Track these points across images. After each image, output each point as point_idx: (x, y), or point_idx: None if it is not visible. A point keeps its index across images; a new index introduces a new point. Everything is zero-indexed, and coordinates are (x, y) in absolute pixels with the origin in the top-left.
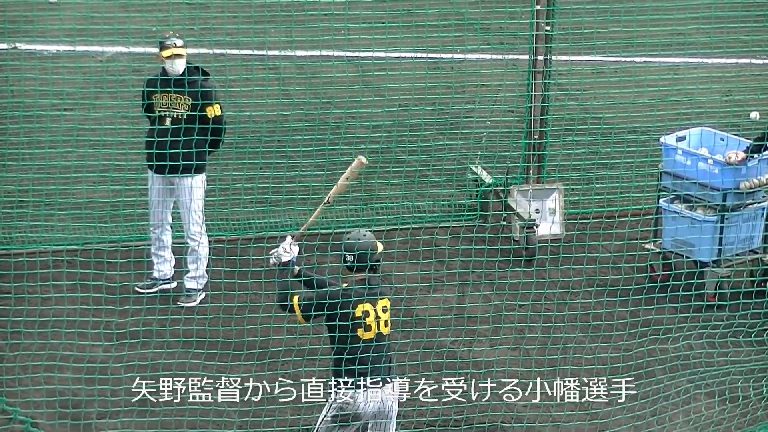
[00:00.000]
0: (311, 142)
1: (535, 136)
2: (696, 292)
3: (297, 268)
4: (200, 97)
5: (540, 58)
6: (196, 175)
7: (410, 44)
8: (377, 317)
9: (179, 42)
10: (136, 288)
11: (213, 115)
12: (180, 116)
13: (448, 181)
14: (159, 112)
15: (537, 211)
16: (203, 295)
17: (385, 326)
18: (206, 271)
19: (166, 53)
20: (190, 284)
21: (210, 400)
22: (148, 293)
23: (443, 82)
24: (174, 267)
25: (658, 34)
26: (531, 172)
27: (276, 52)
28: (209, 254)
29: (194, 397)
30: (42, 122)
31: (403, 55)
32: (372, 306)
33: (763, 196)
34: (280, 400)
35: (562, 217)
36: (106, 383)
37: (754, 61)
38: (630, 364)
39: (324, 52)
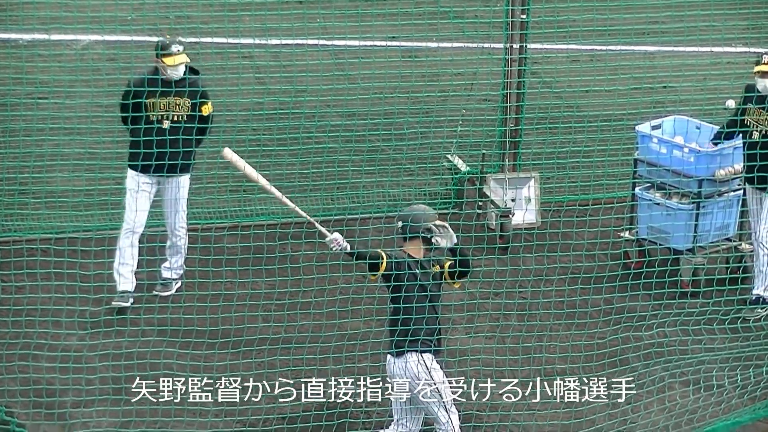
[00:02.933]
0: (286, 130)
1: (511, 125)
2: (671, 279)
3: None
4: (198, 97)
5: (515, 46)
6: (186, 174)
7: (385, 32)
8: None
9: (182, 47)
10: (113, 302)
11: (207, 113)
12: (179, 118)
13: (423, 169)
14: (156, 115)
15: (512, 199)
16: (179, 284)
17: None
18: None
19: (170, 61)
20: (166, 273)
21: (184, 389)
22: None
23: (418, 70)
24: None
25: (634, 22)
26: (506, 160)
27: (250, 40)
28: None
29: (169, 386)
30: (16, 110)
31: (377, 43)
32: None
33: (738, 185)
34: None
35: (538, 205)
36: (80, 372)
37: (729, 49)
38: (605, 352)
39: (299, 41)
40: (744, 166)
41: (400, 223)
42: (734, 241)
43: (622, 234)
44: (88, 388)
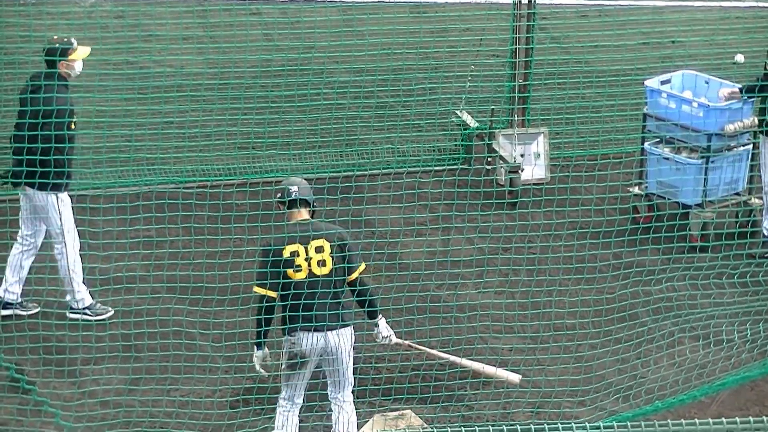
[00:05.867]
0: (294, 87)
1: (520, 80)
2: (680, 234)
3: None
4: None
5: (524, 1)
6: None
7: None
8: (308, 257)
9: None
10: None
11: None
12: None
13: (432, 125)
14: (76, 123)
15: (521, 155)
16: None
17: (320, 266)
18: None
19: (79, 55)
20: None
21: (194, 345)
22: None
23: (426, 26)
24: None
25: None
26: (515, 116)
27: None
28: None
29: (179, 343)
30: (25, 68)
31: None
32: (302, 246)
33: (748, 139)
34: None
35: (547, 160)
36: (90, 329)
37: (737, 3)
38: (614, 307)
39: None
40: (757, 114)
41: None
42: (743, 195)
43: (631, 189)
44: (98, 345)
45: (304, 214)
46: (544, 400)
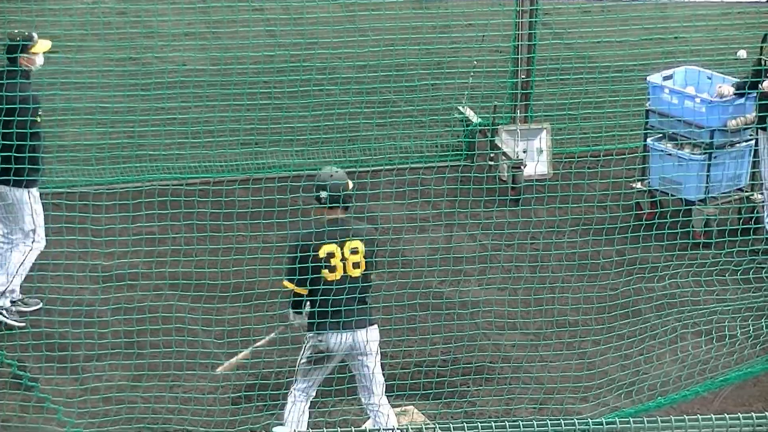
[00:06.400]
0: (297, 83)
1: (522, 76)
2: (683, 230)
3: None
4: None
5: None
6: None
7: None
8: (344, 259)
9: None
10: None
11: None
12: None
13: (435, 121)
14: (41, 119)
15: (524, 150)
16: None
17: (354, 268)
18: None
19: (40, 48)
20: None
21: (197, 341)
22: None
23: (429, 21)
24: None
25: None
26: (518, 111)
27: None
28: None
29: (181, 339)
30: None
31: None
32: (338, 247)
33: (750, 135)
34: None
35: (549, 156)
36: (93, 326)
37: None
38: (617, 303)
39: None
40: (756, 109)
41: (322, 193)
42: (746, 191)
43: (634, 185)
44: (100, 341)
45: (339, 212)
46: (546, 396)
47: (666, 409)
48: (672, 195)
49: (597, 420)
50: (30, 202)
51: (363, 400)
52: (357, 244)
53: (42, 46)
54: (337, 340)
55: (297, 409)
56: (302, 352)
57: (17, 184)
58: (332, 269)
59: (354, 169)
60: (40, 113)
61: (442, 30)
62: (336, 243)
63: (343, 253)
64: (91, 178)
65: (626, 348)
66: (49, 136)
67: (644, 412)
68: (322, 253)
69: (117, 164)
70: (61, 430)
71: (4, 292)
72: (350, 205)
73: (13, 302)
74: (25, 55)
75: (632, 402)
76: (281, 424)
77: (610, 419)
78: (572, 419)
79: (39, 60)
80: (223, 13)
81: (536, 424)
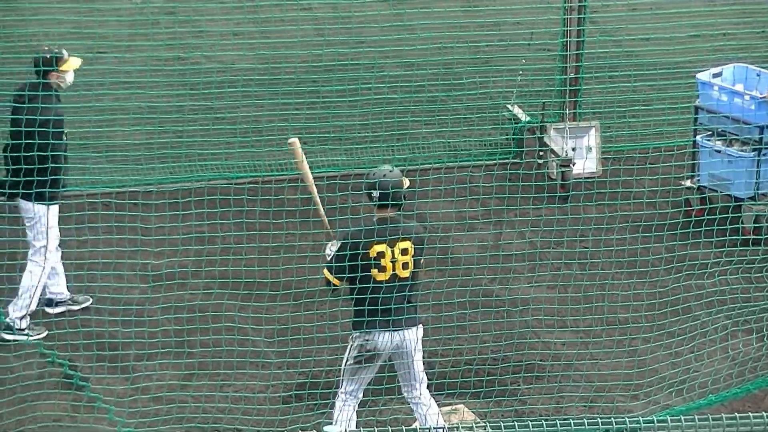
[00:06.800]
0: (345, 82)
1: (571, 74)
2: (732, 227)
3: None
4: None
5: None
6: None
7: None
8: (393, 259)
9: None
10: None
11: None
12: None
13: (483, 119)
14: (67, 135)
15: (573, 148)
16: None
17: (404, 269)
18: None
19: (73, 65)
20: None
21: (247, 340)
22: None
23: (477, 20)
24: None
25: None
26: (566, 109)
27: None
28: None
29: (232, 338)
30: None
31: None
32: (388, 247)
33: None
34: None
35: (598, 154)
36: (143, 325)
37: None
38: (667, 301)
39: None
40: None
41: (374, 192)
42: None
43: (683, 182)
44: (150, 341)
45: (390, 211)
46: (597, 395)
47: (717, 407)
48: (721, 192)
49: (647, 418)
50: (48, 217)
51: (405, 394)
52: (407, 244)
53: (72, 63)
54: (385, 339)
55: (347, 412)
56: (347, 353)
57: (39, 199)
58: (382, 269)
59: (403, 168)
60: (66, 130)
61: (491, 28)
62: (386, 243)
63: (393, 253)
64: (141, 177)
65: (676, 346)
66: (99, 136)
67: (695, 410)
68: (373, 252)
69: (166, 164)
70: (112, 429)
71: (25, 315)
72: (401, 203)
73: (61, 302)
74: (54, 71)
75: (683, 400)
76: (331, 423)
77: (660, 417)
78: (623, 417)
79: (69, 77)
80: (271, 12)
81: (587, 423)
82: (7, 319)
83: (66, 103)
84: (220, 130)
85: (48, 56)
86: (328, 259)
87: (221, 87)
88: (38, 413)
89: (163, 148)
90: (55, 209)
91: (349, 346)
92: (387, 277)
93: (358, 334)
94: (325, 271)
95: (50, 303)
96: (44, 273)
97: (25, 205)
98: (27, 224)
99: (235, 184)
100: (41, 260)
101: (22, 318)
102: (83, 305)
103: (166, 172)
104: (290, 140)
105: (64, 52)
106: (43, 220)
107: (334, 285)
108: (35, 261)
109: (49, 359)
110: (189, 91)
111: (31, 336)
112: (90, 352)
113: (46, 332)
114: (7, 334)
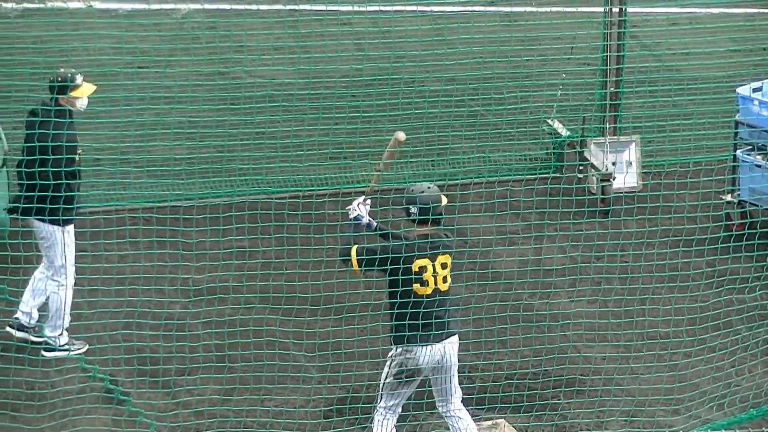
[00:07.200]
0: (385, 96)
1: (611, 88)
2: None
3: (368, 221)
4: None
5: (614, 9)
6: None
7: None
8: (435, 273)
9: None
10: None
11: None
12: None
13: (523, 134)
14: (79, 158)
15: (613, 163)
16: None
17: (444, 282)
18: None
19: (85, 91)
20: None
21: (288, 355)
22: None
23: (517, 34)
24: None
25: None
26: (607, 124)
27: (349, 7)
28: None
29: (272, 353)
30: (117, 80)
31: (476, 8)
32: (430, 261)
33: None
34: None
35: (639, 168)
36: (184, 340)
37: None
38: (707, 315)
39: (397, 7)
40: None
41: (413, 208)
42: None
43: (723, 196)
44: (191, 356)
45: (429, 227)
46: (637, 409)
47: (758, 421)
48: (762, 206)
49: None
50: (63, 238)
51: (440, 409)
52: (446, 259)
53: (85, 90)
54: (426, 353)
55: (386, 427)
56: (387, 369)
57: (52, 220)
58: (424, 283)
59: (443, 183)
60: (79, 152)
61: (531, 42)
62: (428, 257)
63: (434, 267)
64: (182, 192)
65: (717, 360)
66: (139, 151)
67: (736, 425)
68: (415, 267)
69: (207, 178)
70: None
71: (54, 332)
72: (441, 220)
73: (27, 328)
74: (65, 96)
75: (724, 414)
76: None
77: None
78: None
79: (81, 103)
80: (311, 27)
81: None
82: (46, 338)
83: (107, 119)
84: (261, 144)
85: (60, 81)
86: (350, 215)
87: (261, 101)
88: (79, 428)
89: (204, 163)
90: (70, 229)
91: (389, 362)
92: (429, 291)
93: (399, 350)
94: (354, 251)
95: (18, 325)
96: (68, 289)
97: (38, 225)
98: (42, 244)
99: (276, 198)
100: (62, 279)
101: (59, 336)
102: (81, 349)
103: (207, 186)
104: (400, 136)
105: (78, 78)
106: (59, 240)
107: (352, 266)
108: (57, 281)
109: (90, 374)
110: (230, 106)
111: (72, 351)
112: (131, 366)
113: (87, 346)
114: (48, 351)
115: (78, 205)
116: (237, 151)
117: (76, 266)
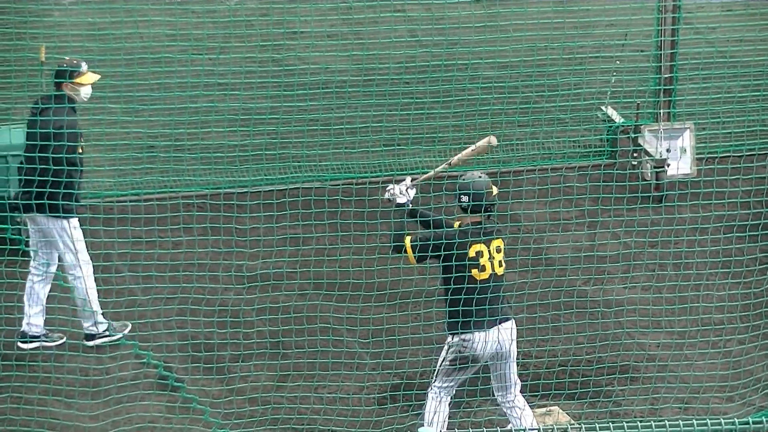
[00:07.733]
0: (438, 83)
1: (665, 75)
2: None
3: (411, 207)
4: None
5: None
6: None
7: None
8: (491, 257)
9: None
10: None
11: None
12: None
13: (577, 120)
14: (83, 147)
15: (667, 150)
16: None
17: (500, 266)
18: None
19: (90, 79)
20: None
21: (342, 342)
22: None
23: (570, 21)
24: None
25: None
26: (661, 110)
27: None
28: None
29: (326, 340)
30: (171, 67)
31: None
32: (486, 246)
33: None
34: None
35: (693, 155)
36: (238, 327)
37: None
38: (762, 302)
39: None
40: None
41: (464, 197)
42: None
43: None
44: (245, 342)
45: (479, 217)
46: (691, 396)
47: None
48: None
49: (743, 420)
50: (67, 231)
51: (498, 398)
52: (500, 243)
53: (89, 78)
54: (483, 340)
55: (439, 407)
56: (444, 354)
57: (54, 213)
58: (481, 268)
59: (496, 170)
60: (81, 142)
61: (585, 29)
62: (483, 242)
63: (490, 252)
64: (235, 179)
65: None
66: (193, 138)
67: None
68: (472, 252)
69: (260, 165)
70: (207, 431)
71: (94, 322)
72: (492, 208)
73: (36, 337)
74: (69, 82)
75: None
76: (425, 425)
77: (756, 419)
78: (718, 419)
79: (85, 91)
80: (365, 13)
81: (682, 425)
82: (85, 331)
83: (162, 105)
84: (315, 131)
85: (64, 67)
86: (387, 196)
87: (315, 89)
88: (133, 414)
89: (258, 150)
90: (74, 222)
91: (445, 349)
92: (486, 276)
93: (456, 337)
94: (408, 240)
95: (24, 336)
96: (88, 279)
97: (39, 219)
98: (41, 239)
99: (330, 185)
100: (77, 271)
101: (95, 324)
102: (57, 343)
103: (260, 173)
104: (493, 140)
105: (83, 65)
106: (66, 233)
107: (407, 254)
108: (73, 274)
109: (144, 360)
110: (283, 93)
111: (114, 335)
112: (185, 353)
113: (130, 325)
114: (89, 340)
115: (81, 197)
116: (290, 138)
117: (94, 254)
